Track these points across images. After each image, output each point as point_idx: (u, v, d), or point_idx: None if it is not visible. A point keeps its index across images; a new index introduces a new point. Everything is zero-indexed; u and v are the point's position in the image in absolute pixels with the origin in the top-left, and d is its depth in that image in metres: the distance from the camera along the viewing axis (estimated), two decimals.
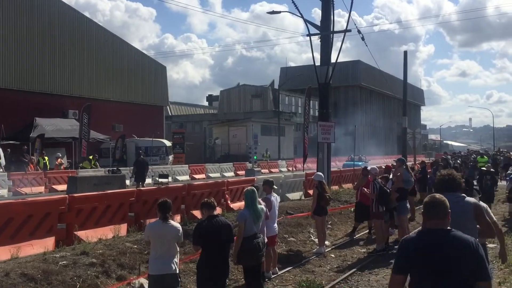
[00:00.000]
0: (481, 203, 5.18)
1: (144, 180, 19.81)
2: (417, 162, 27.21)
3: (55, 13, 34.10)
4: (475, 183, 14.30)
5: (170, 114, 58.14)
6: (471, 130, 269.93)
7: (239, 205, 13.97)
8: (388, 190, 11.06)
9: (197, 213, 12.51)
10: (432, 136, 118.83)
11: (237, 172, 33.98)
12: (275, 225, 8.73)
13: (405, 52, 32.62)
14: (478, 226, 4.86)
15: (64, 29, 34.72)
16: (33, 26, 32.40)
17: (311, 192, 16.42)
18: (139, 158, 20.59)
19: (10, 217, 8.10)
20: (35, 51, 32.48)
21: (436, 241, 3.41)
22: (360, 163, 29.08)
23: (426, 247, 3.41)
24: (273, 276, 8.83)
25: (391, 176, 12.39)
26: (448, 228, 3.48)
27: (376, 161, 44.51)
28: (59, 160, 26.54)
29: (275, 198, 8.81)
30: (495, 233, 5.23)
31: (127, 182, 20.44)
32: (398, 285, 3.51)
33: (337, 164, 35.93)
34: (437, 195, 3.66)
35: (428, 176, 18.52)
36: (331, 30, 18.47)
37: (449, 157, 22.76)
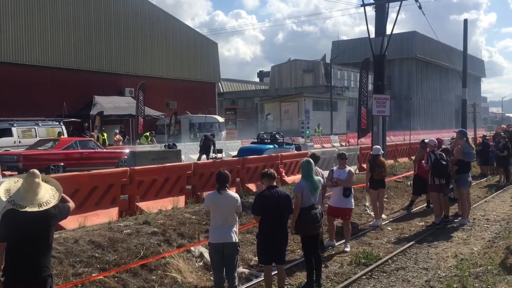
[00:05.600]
0: None
1: (208, 154, 20.30)
2: (478, 136, 26.16)
3: None
4: None
5: (222, 90, 58.65)
6: None
7: (293, 178, 14.01)
8: (444, 163, 10.72)
9: (252, 186, 12.69)
10: (493, 109, 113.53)
11: None
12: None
13: (465, 21, 31.02)
14: None
15: (119, 9, 35.53)
16: (89, 9, 33.34)
17: (365, 166, 16.21)
18: (208, 134, 21.39)
19: (76, 188, 8.51)
20: (92, 32, 33.49)
21: None
22: (268, 148, 17.69)
23: None
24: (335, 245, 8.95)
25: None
26: None
27: (432, 135, 43.11)
28: (117, 136, 27.52)
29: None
30: None
31: (183, 157, 20.92)
32: None
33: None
34: None
35: (490, 149, 17.79)
36: None
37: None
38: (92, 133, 26.12)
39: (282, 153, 16.12)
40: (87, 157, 16.95)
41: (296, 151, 18.29)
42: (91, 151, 17.44)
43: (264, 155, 16.15)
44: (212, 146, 20.55)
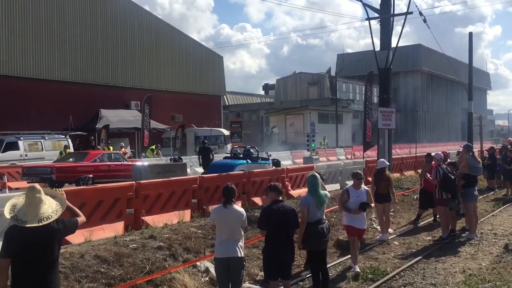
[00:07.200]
0: None
1: None
2: (484, 149, 26.02)
3: (117, 8, 35.28)
4: None
5: (227, 103, 58.83)
6: None
7: (298, 192, 13.96)
8: (453, 177, 10.67)
9: (257, 200, 12.66)
10: (499, 122, 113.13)
11: (295, 160, 33.91)
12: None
13: (470, 34, 31.15)
14: None
15: (126, 23, 35.87)
16: (96, 22, 33.69)
17: (371, 179, 16.15)
18: (202, 146, 21.03)
19: (83, 202, 8.51)
20: (99, 46, 33.78)
21: None
22: (240, 163, 16.17)
23: None
24: (335, 263, 8.81)
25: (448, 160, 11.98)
26: None
27: (438, 148, 42.99)
28: (122, 149, 27.53)
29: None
30: None
31: (188, 170, 20.90)
32: None
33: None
34: None
35: (497, 163, 17.68)
36: (391, 13, 17.92)
37: None
38: (98, 146, 26.20)
39: (288, 167, 16.10)
40: (114, 169, 17.67)
41: (274, 167, 17.28)
42: (118, 164, 18.18)
43: (269, 169, 16.13)
44: (211, 156, 20.12)
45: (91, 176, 16.76)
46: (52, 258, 4.15)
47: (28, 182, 15.89)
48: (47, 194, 4.24)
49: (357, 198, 8.22)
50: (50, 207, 4.13)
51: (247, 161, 16.59)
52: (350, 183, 16.84)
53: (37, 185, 4.22)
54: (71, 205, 4.47)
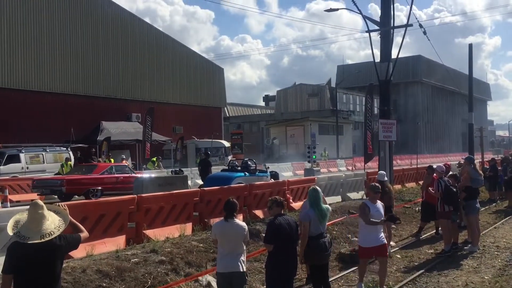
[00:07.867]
0: None
1: None
2: (485, 160, 26.01)
3: (118, 21, 35.55)
4: None
5: (227, 115, 58.94)
6: None
7: (299, 204, 13.91)
8: (455, 190, 10.66)
9: (259, 213, 12.64)
10: (499, 132, 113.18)
11: (296, 171, 33.90)
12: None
13: (470, 45, 31.34)
14: None
15: (126, 36, 36.10)
16: (97, 34, 33.91)
17: None
18: (202, 158, 21.09)
19: (85, 216, 8.52)
20: (100, 58, 33.98)
21: None
22: (237, 175, 16.11)
23: None
24: (336, 277, 8.77)
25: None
26: None
27: (439, 159, 43.02)
28: (124, 161, 27.57)
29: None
30: None
31: (189, 182, 20.89)
32: None
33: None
34: None
35: (499, 174, 17.66)
36: (391, 25, 18.02)
37: None
38: (99, 159, 26.21)
39: (289, 179, 16.09)
40: (122, 181, 17.92)
41: (273, 180, 17.14)
42: (126, 176, 18.42)
43: (270, 181, 16.12)
44: (209, 169, 20.03)
45: (99, 188, 16.98)
46: (55, 274, 4.15)
47: (38, 195, 16.00)
48: (50, 209, 4.24)
49: (376, 212, 7.81)
50: (53, 223, 4.13)
51: (245, 174, 16.38)
52: (351, 195, 17.00)
53: (39, 201, 4.23)
54: (74, 220, 4.48)
